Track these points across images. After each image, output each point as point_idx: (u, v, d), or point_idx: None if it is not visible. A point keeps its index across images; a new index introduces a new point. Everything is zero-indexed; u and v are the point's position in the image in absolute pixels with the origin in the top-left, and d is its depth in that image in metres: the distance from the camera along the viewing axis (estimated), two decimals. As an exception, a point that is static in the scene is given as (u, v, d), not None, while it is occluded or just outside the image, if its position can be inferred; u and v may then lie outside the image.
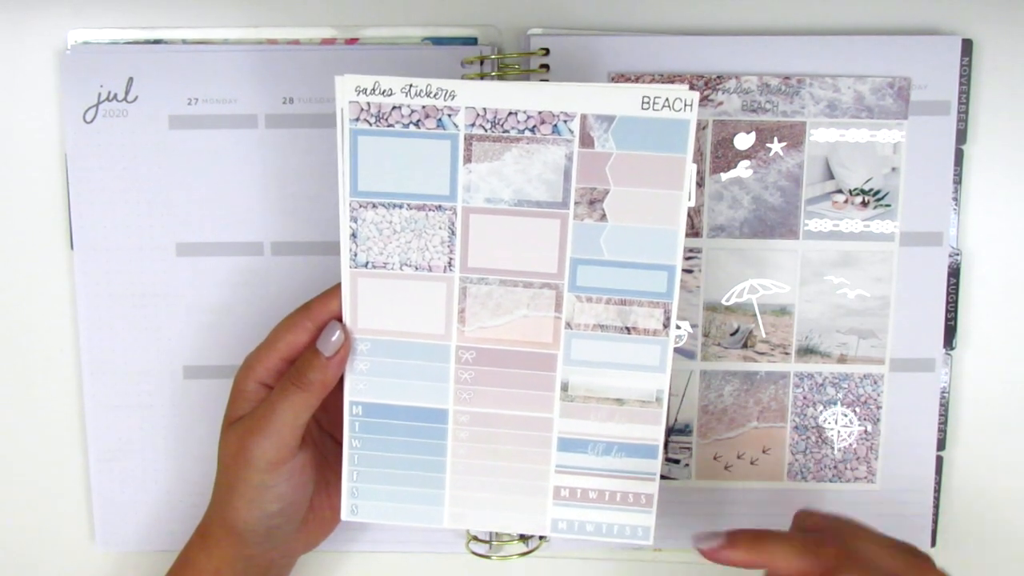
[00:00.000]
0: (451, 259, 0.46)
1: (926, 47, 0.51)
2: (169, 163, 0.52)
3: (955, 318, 0.53)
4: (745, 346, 0.53)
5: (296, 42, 0.52)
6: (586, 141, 0.44)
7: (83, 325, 0.53)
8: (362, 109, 0.44)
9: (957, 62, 0.51)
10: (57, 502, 0.55)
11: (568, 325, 0.46)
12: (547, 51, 0.51)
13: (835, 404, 0.53)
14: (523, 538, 0.53)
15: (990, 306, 0.54)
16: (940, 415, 0.53)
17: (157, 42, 0.52)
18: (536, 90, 0.44)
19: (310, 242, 0.53)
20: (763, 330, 0.53)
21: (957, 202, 0.52)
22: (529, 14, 0.52)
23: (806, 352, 0.53)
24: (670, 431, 0.53)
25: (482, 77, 0.51)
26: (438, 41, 0.52)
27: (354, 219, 0.45)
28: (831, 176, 0.52)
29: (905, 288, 0.52)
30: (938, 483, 0.54)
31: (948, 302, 0.53)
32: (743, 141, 0.52)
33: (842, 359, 0.53)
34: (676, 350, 0.53)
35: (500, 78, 0.50)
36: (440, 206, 0.45)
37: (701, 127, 0.51)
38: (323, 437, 0.50)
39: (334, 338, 0.45)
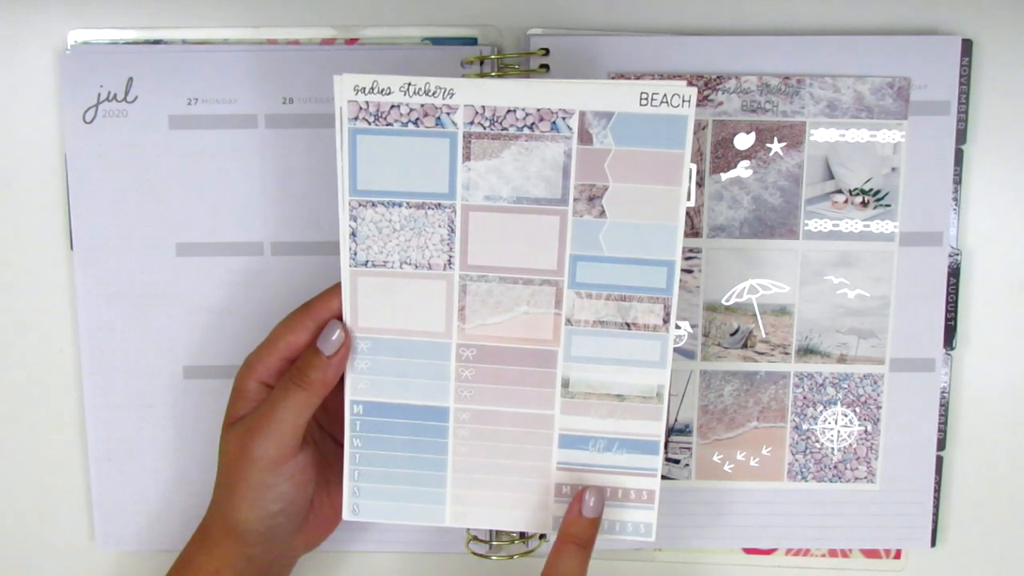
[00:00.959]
0: (451, 257, 0.46)
1: (926, 47, 0.51)
2: (169, 163, 0.52)
3: (955, 318, 0.53)
4: (745, 346, 0.53)
5: (296, 42, 0.52)
6: (585, 138, 0.44)
7: (83, 325, 0.53)
8: (361, 108, 0.44)
9: (957, 62, 0.51)
10: (57, 502, 0.55)
11: (568, 321, 0.46)
12: (547, 51, 0.51)
13: (835, 404, 0.53)
14: (523, 538, 0.53)
15: (990, 306, 0.54)
16: (940, 415, 0.53)
17: (157, 42, 0.52)
18: (534, 87, 0.44)
19: (310, 242, 0.53)
20: (763, 330, 0.53)
21: (957, 202, 0.52)
22: (529, 14, 0.52)
23: (806, 352, 0.53)
24: (670, 431, 0.53)
25: (482, 77, 0.51)
26: (438, 41, 0.52)
27: (353, 218, 0.45)
28: (831, 176, 0.52)
29: (905, 288, 0.52)
30: (938, 483, 0.54)
31: (948, 302, 0.53)
32: (743, 141, 0.52)
33: (842, 359, 0.53)
34: (676, 350, 0.53)
35: (500, 78, 0.50)
36: (439, 204, 0.45)
37: (701, 127, 0.51)
38: (323, 437, 0.50)
39: (334, 337, 0.45)
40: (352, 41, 0.52)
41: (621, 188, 0.45)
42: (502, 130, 0.44)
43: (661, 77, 0.51)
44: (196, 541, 0.48)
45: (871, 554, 0.55)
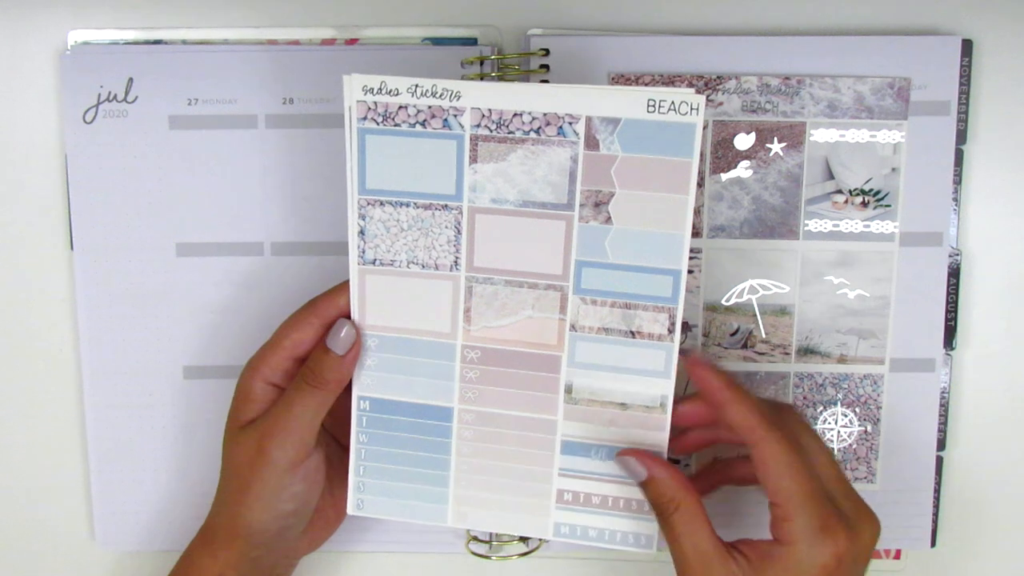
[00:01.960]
0: (457, 258, 0.46)
1: (926, 47, 0.51)
2: (169, 163, 0.52)
3: (955, 318, 0.53)
4: (745, 346, 0.53)
5: (296, 42, 0.52)
6: (591, 143, 0.44)
7: (83, 325, 0.53)
8: (369, 108, 0.44)
9: (957, 62, 0.51)
10: (57, 502, 0.55)
11: (572, 327, 0.46)
12: (547, 51, 0.51)
13: (835, 404, 0.53)
14: (523, 538, 0.53)
15: (990, 306, 0.54)
16: (940, 415, 0.53)
17: (157, 42, 0.52)
18: (541, 92, 0.44)
19: (310, 242, 0.53)
20: (763, 330, 0.53)
21: (957, 202, 0.52)
22: (529, 14, 0.52)
23: (806, 352, 0.53)
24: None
25: (482, 77, 0.51)
26: (438, 41, 0.52)
27: (362, 216, 0.45)
28: (831, 176, 0.52)
29: (905, 288, 0.52)
30: (938, 483, 0.54)
31: (948, 302, 0.53)
32: (743, 141, 0.52)
33: (842, 359, 0.53)
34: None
35: (500, 78, 0.50)
36: (446, 205, 0.45)
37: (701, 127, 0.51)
38: (327, 436, 0.50)
39: (343, 335, 0.45)
40: (352, 41, 0.52)
41: (628, 195, 0.44)
42: (509, 133, 0.44)
43: (661, 77, 0.51)
44: (198, 544, 0.47)
45: (871, 554, 0.55)
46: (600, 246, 0.45)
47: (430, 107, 0.44)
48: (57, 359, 0.54)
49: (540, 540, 0.54)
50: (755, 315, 0.53)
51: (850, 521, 0.42)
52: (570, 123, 0.44)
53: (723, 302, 0.53)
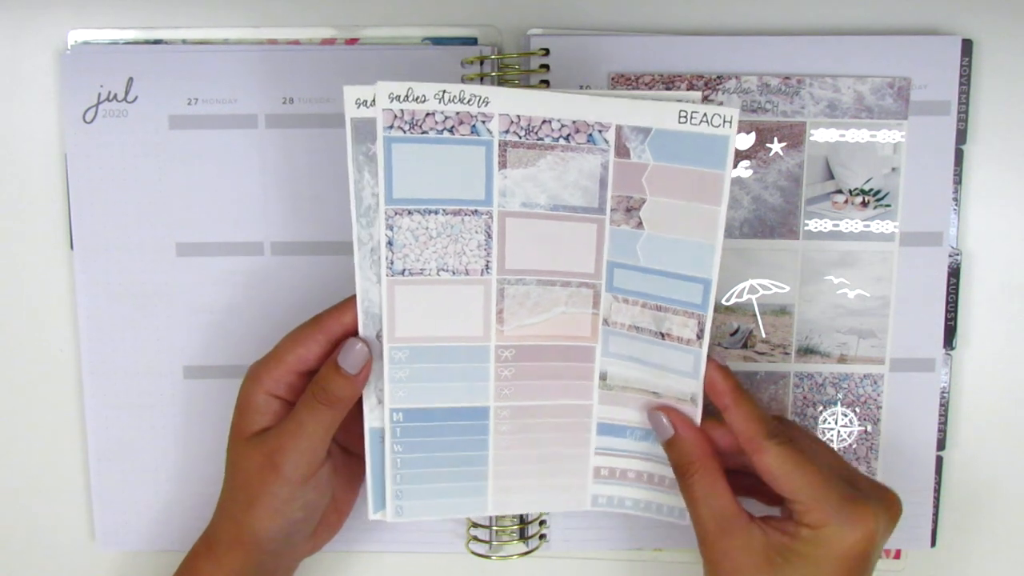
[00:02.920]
0: (488, 262, 0.46)
1: (926, 47, 0.51)
2: (169, 163, 0.52)
3: (955, 318, 0.53)
4: (745, 346, 0.53)
5: (296, 42, 0.52)
6: (622, 152, 0.44)
7: (83, 325, 0.53)
8: (396, 116, 0.43)
9: (957, 62, 0.51)
10: (57, 502, 0.55)
11: (605, 322, 0.47)
12: (547, 51, 0.51)
13: (835, 404, 0.53)
14: (523, 538, 0.53)
15: (990, 306, 0.54)
16: (940, 415, 0.53)
17: (157, 42, 0.52)
18: (571, 100, 0.44)
19: (310, 242, 0.53)
20: (763, 330, 0.53)
21: (957, 202, 0.52)
22: (529, 14, 0.52)
23: (806, 352, 0.53)
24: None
25: (482, 77, 0.51)
26: (438, 41, 0.52)
27: (390, 227, 0.45)
28: (831, 176, 0.52)
29: (905, 288, 0.52)
30: (938, 483, 0.54)
31: (948, 302, 0.53)
32: (743, 141, 0.52)
33: (842, 359, 0.53)
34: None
35: (500, 78, 0.50)
36: (476, 211, 0.45)
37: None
38: (332, 443, 0.50)
39: (356, 353, 0.45)
40: (352, 41, 0.52)
41: (659, 202, 0.44)
42: (538, 140, 0.44)
43: (661, 77, 0.51)
44: (201, 550, 0.47)
45: (871, 554, 0.55)
46: (632, 249, 0.45)
47: (458, 113, 0.43)
48: (57, 359, 0.54)
49: (540, 540, 0.54)
50: (755, 315, 0.53)
51: (871, 498, 0.43)
52: (600, 131, 0.44)
53: (723, 302, 0.53)
